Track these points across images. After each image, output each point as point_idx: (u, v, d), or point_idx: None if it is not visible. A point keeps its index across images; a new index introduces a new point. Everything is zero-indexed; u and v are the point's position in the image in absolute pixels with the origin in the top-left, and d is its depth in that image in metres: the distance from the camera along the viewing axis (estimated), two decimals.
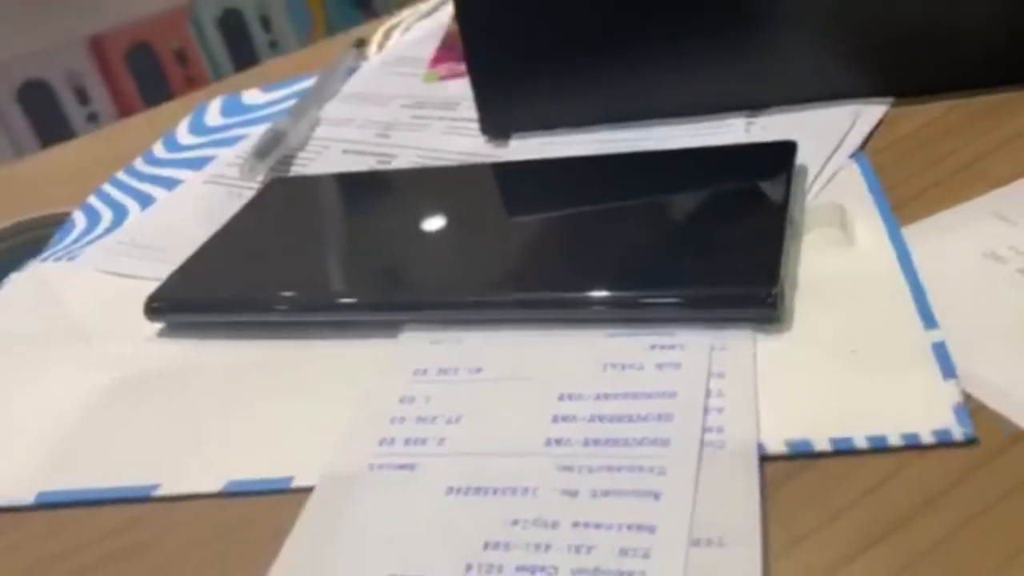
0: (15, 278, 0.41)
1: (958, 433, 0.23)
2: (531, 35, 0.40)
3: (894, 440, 0.23)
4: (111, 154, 0.53)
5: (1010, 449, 0.22)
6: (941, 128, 0.36)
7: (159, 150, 0.51)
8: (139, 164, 0.50)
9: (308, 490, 0.26)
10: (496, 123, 0.43)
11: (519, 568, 0.22)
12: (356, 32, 0.63)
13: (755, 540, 0.21)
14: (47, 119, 1.47)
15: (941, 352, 0.25)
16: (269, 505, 0.26)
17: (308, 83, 0.55)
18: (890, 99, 0.39)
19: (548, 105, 0.42)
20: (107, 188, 0.48)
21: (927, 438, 0.23)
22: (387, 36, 0.60)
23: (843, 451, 0.23)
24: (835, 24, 0.38)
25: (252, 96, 0.56)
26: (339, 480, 0.26)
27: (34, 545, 0.27)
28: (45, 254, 0.43)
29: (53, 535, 0.27)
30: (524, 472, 0.24)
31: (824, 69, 0.39)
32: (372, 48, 0.58)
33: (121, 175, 0.49)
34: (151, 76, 1.62)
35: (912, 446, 0.23)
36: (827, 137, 0.37)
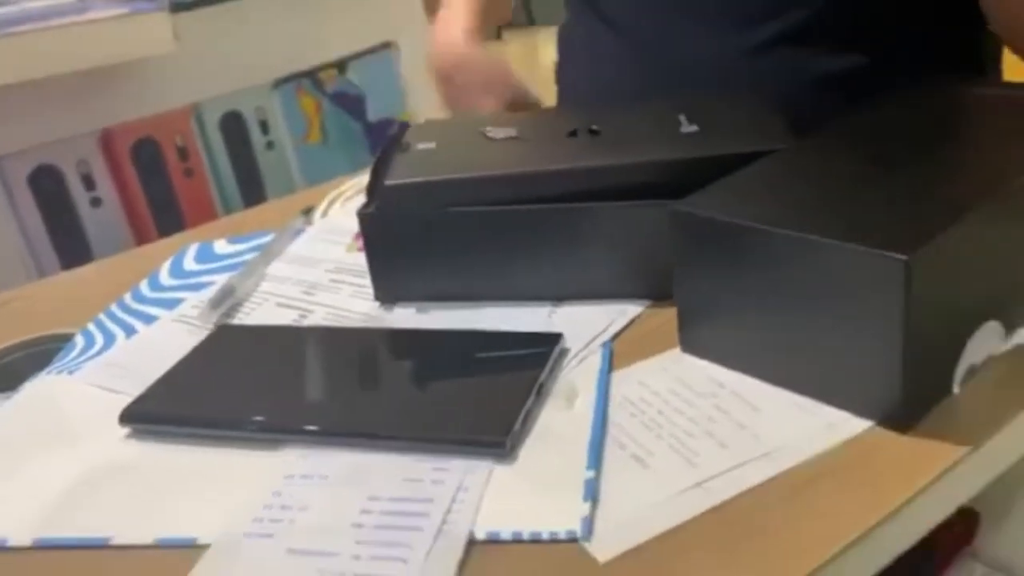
0: (27, 386, 0.58)
1: (580, 534, 0.39)
2: (410, 235, 0.58)
3: (545, 535, 0.39)
4: (125, 279, 0.69)
5: (617, 564, 0.38)
6: (674, 326, 0.53)
7: (145, 288, 0.69)
8: (128, 299, 0.67)
9: (206, 546, 0.42)
10: (385, 294, 0.61)
11: None
12: (307, 196, 0.81)
13: None
14: (54, 201, 1.62)
15: (589, 484, 0.42)
16: (183, 554, 0.42)
17: (265, 239, 0.72)
18: (648, 301, 0.56)
19: (421, 285, 0.60)
20: (102, 318, 0.65)
21: (562, 535, 0.39)
22: (331, 204, 0.78)
23: (517, 540, 0.39)
24: (615, 244, 0.56)
25: (221, 247, 0.74)
26: (226, 539, 0.42)
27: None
28: (51, 367, 0.60)
29: (47, 567, 0.43)
30: (337, 542, 0.40)
31: (606, 276, 0.56)
32: (317, 215, 0.76)
33: (114, 308, 0.66)
34: (153, 168, 1.79)
35: (555, 540, 0.39)
36: (594, 327, 0.54)
